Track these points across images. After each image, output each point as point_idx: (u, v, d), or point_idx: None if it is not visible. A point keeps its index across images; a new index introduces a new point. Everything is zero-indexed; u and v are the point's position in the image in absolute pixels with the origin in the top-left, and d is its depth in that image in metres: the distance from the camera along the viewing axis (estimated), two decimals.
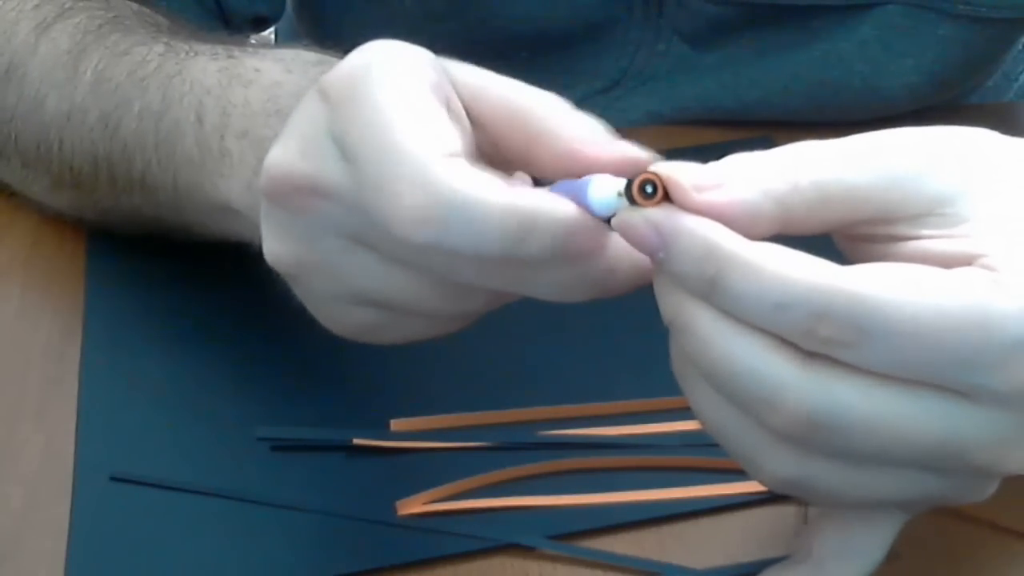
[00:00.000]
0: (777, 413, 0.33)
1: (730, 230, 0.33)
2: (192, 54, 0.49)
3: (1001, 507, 0.44)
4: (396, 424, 0.46)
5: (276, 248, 0.39)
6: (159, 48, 0.51)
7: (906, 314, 0.32)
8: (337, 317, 0.40)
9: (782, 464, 0.35)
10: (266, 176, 0.38)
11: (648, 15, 0.68)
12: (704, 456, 0.45)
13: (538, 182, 0.37)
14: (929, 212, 0.35)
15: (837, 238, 0.37)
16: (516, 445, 0.46)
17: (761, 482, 0.36)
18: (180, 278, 0.53)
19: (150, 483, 0.44)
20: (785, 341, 0.33)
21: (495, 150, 0.38)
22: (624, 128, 0.38)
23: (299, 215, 0.38)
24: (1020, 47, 0.74)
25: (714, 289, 0.33)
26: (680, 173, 0.34)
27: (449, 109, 0.37)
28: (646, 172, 0.34)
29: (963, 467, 0.35)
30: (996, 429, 0.34)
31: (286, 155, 0.38)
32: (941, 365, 0.33)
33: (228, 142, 0.45)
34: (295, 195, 0.37)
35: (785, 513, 0.44)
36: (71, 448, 0.46)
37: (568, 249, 0.35)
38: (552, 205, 0.34)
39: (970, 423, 0.34)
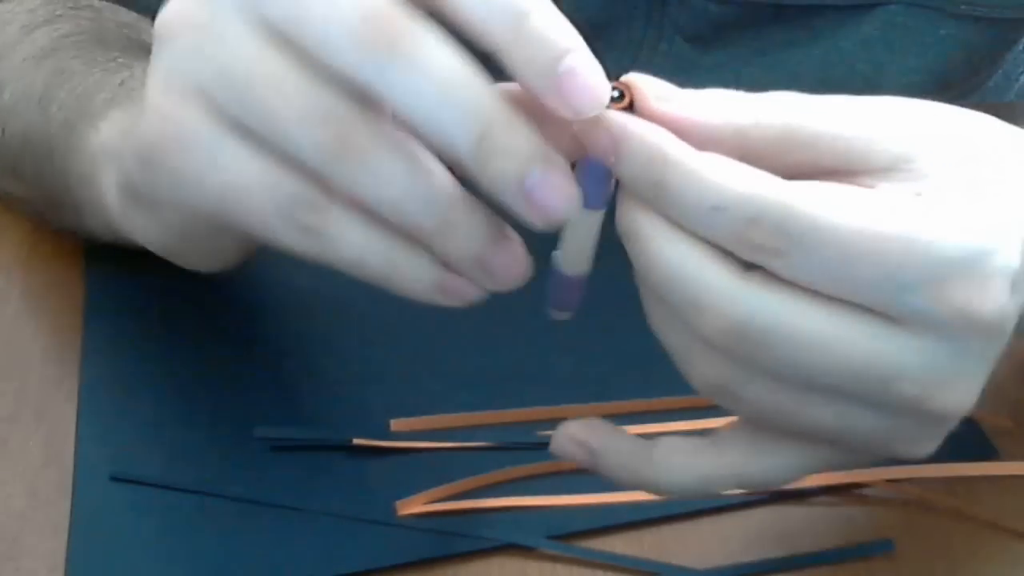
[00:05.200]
0: (705, 318, 0.35)
1: (677, 139, 0.35)
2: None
3: (1001, 507, 0.44)
4: (396, 424, 0.46)
5: (174, 1, 0.38)
6: (118, 52, 0.51)
7: (833, 225, 0.33)
8: (169, 107, 0.38)
9: (709, 368, 0.36)
10: None
11: (650, 14, 0.68)
12: None
13: None
14: (893, 167, 0.36)
15: None
16: (516, 445, 0.46)
17: (691, 384, 0.37)
18: (180, 278, 0.53)
19: (150, 483, 0.44)
20: (723, 253, 0.34)
21: None
22: None
23: None
24: (1021, 47, 0.74)
25: (658, 193, 0.34)
26: (647, 82, 0.36)
27: None
28: (617, 80, 0.36)
29: (891, 399, 0.35)
30: (923, 358, 0.34)
31: None
32: (866, 281, 0.34)
33: (136, 93, 0.44)
34: None
35: (785, 513, 0.44)
36: (71, 448, 0.46)
37: None
38: None
39: (896, 347, 0.34)
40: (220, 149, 0.38)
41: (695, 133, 0.35)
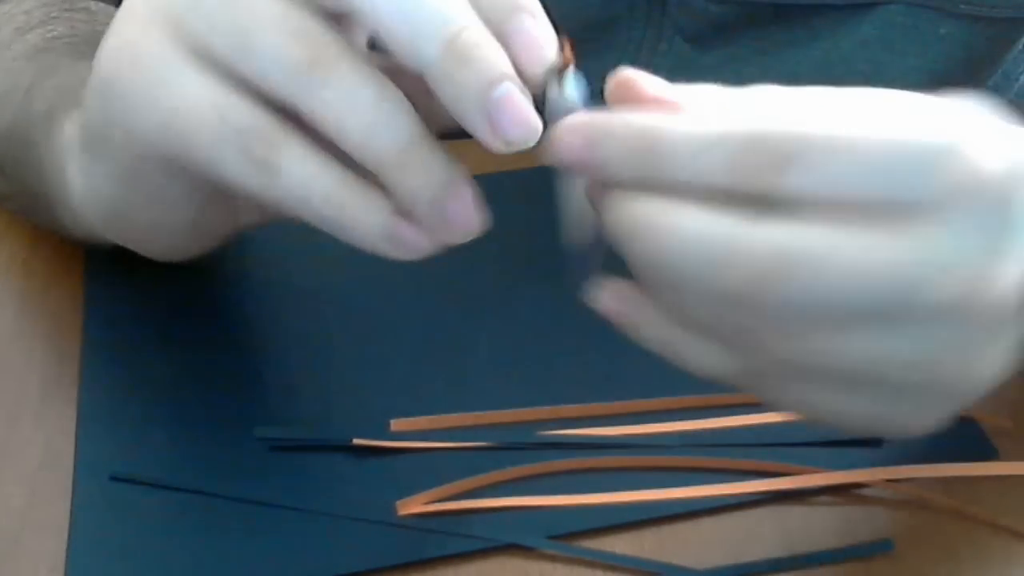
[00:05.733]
0: (731, 270, 0.34)
1: (648, 110, 0.35)
2: None
3: (1001, 507, 0.44)
4: (396, 424, 0.46)
5: None
6: None
7: (828, 131, 0.34)
8: (136, 31, 0.38)
9: (738, 336, 0.36)
10: None
11: (650, 14, 0.68)
12: (704, 456, 0.45)
13: None
14: None
15: None
16: (516, 445, 0.46)
17: (717, 373, 0.37)
18: (180, 278, 0.53)
19: (150, 483, 0.44)
20: (725, 209, 0.34)
21: None
22: None
23: None
24: (1021, 47, 0.74)
25: (652, 164, 0.34)
26: (645, 82, 0.36)
27: None
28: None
29: (924, 305, 0.34)
30: (948, 249, 0.34)
31: None
32: (869, 177, 0.33)
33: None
34: None
35: (785, 513, 0.44)
36: (71, 448, 0.46)
37: None
38: None
39: (918, 246, 0.34)
40: (176, 71, 0.37)
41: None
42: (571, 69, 0.37)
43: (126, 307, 0.52)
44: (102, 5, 0.58)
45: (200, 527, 0.43)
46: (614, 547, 0.42)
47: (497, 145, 0.36)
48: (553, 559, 0.42)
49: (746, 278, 0.34)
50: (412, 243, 0.37)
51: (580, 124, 0.35)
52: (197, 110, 0.37)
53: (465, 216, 0.37)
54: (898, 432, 0.38)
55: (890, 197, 0.34)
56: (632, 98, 0.36)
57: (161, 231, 0.45)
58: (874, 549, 0.43)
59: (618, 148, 0.35)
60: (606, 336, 0.51)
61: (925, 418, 0.38)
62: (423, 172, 0.36)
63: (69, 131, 0.45)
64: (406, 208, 0.37)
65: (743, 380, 0.38)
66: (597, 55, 0.69)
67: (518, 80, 0.36)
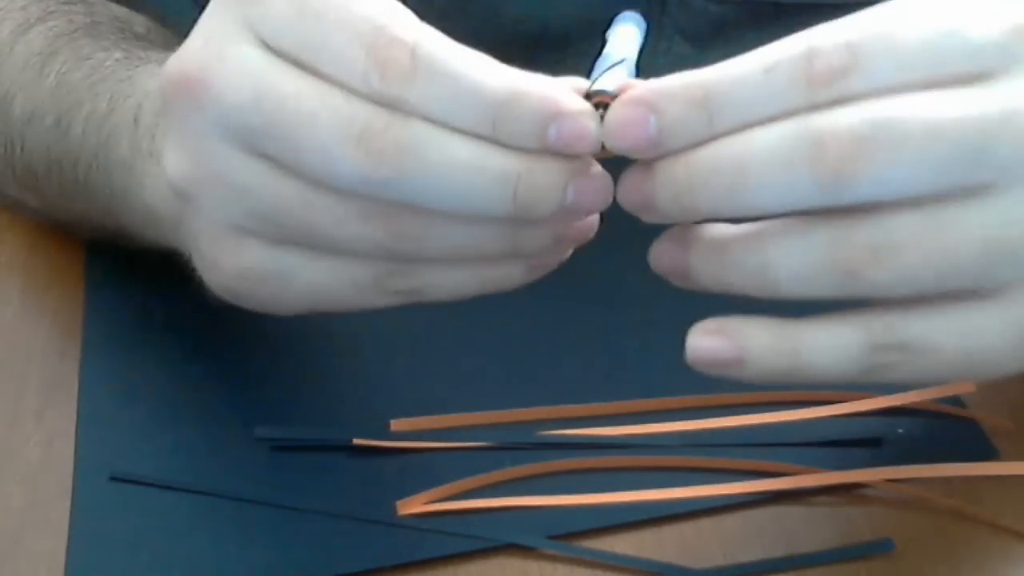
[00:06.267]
0: (821, 150, 0.33)
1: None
2: (145, 61, 0.49)
3: (1001, 507, 0.44)
4: (396, 424, 0.46)
5: (172, 159, 0.39)
6: (117, 54, 0.51)
7: (884, 19, 0.34)
8: (220, 253, 0.39)
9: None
10: (163, 76, 0.38)
11: (650, 14, 0.68)
12: (704, 456, 0.45)
13: None
14: None
15: None
16: (516, 445, 0.46)
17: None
18: (180, 278, 0.53)
19: (150, 483, 0.44)
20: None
21: None
22: None
23: (195, 117, 0.37)
24: None
25: (710, 106, 0.34)
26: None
27: None
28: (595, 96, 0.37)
29: (991, 161, 0.34)
30: (1011, 105, 0.34)
31: (184, 52, 0.38)
32: (936, 50, 0.34)
33: (158, 142, 0.44)
34: (189, 89, 0.37)
35: (785, 513, 0.44)
36: (71, 448, 0.46)
37: (553, 137, 0.36)
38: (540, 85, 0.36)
39: (986, 103, 0.34)
40: (286, 272, 0.39)
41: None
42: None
43: (126, 307, 0.52)
44: None
45: (200, 527, 0.43)
46: (614, 547, 0.42)
47: (582, 220, 0.39)
48: (553, 559, 0.42)
49: (836, 159, 0.33)
50: (552, 264, 0.40)
51: (635, 96, 0.36)
52: (328, 289, 0.40)
53: (596, 200, 0.38)
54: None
55: (960, 68, 0.34)
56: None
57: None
58: (874, 549, 0.42)
59: (679, 108, 0.35)
60: (606, 336, 0.51)
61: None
62: (533, 247, 0.39)
63: (149, 203, 0.45)
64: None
65: (872, 359, 0.36)
66: (597, 54, 0.69)
67: (578, 167, 0.37)
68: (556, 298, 0.48)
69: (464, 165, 0.36)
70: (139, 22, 0.57)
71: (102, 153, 0.48)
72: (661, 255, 0.38)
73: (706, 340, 0.36)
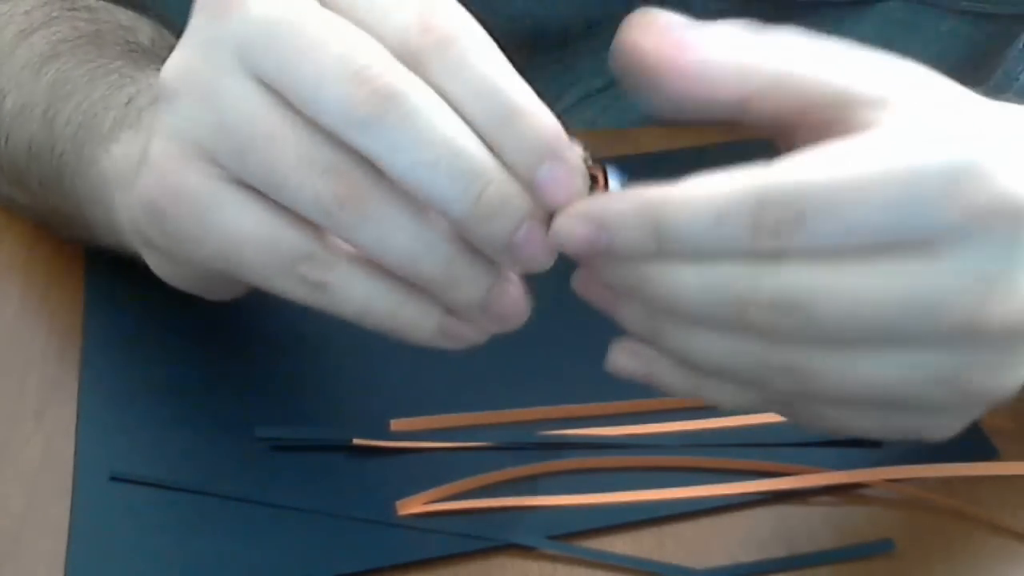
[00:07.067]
0: (753, 307, 0.34)
1: (646, 188, 0.35)
2: (151, 69, 0.49)
3: (1001, 507, 0.44)
4: (396, 424, 0.46)
5: (174, 58, 0.39)
6: (119, 63, 0.51)
7: (833, 179, 0.33)
8: (173, 169, 0.39)
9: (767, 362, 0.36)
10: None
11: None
12: (704, 456, 0.45)
13: None
14: (871, 106, 0.36)
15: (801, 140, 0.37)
16: (516, 445, 0.46)
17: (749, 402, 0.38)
18: None
19: (150, 483, 0.44)
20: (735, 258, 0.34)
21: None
22: (624, 128, 0.38)
23: (215, 22, 0.37)
24: (1021, 45, 0.74)
25: (661, 238, 0.34)
26: (651, 16, 0.36)
27: None
28: (587, 166, 0.37)
29: (942, 330, 0.34)
30: (962, 274, 0.34)
31: None
32: (885, 220, 0.33)
33: (144, 115, 0.45)
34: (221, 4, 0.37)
35: (785, 513, 0.44)
36: (71, 448, 0.46)
37: None
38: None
39: (934, 272, 0.34)
40: (219, 206, 0.38)
41: (702, 75, 0.36)
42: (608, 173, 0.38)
43: (126, 307, 0.52)
44: (103, 3, 0.58)
45: (200, 527, 0.43)
46: (614, 547, 0.42)
47: (517, 270, 0.38)
48: (553, 559, 0.42)
49: (763, 317, 0.34)
50: (465, 337, 0.40)
51: (585, 210, 0.36)
52: (247, 242, 0.38)
53: (513, 309, 0.39)
54: (924, 437, 0.38)
55: (907, 233, 0.34)
56: (644, 34, 0.36)
57: (229, 294, 0.47)
58: (874, 549, 0.43)
59: (622, 227, 0.35)
60: (606, 336, 0.51)
61: (952, 426, 0.38)
62: (469, 285, 0.38)
63: (108, 166, 0.46)
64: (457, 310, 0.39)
65: (768, 408, 0.39)
66: (595, 53, 0.69)
67: (540, 215, 0.37)
68: (556, 298, 0.48)
69: (444, 141, 0.36)
70: (144, 32, 0.56)
71: (81, 134, 0.48)
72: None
73: (623, 358, 0.39)
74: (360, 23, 0.37)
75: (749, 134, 0.68)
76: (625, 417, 0.47)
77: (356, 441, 0.45)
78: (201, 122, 0.38)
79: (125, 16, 0.58)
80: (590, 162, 0.37)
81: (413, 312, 0.39)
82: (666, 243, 0.34)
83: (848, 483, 0.45)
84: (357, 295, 0.38)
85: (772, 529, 0.43)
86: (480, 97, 0.36)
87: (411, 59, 0.36)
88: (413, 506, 0.43)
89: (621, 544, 0.43)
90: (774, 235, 0.33)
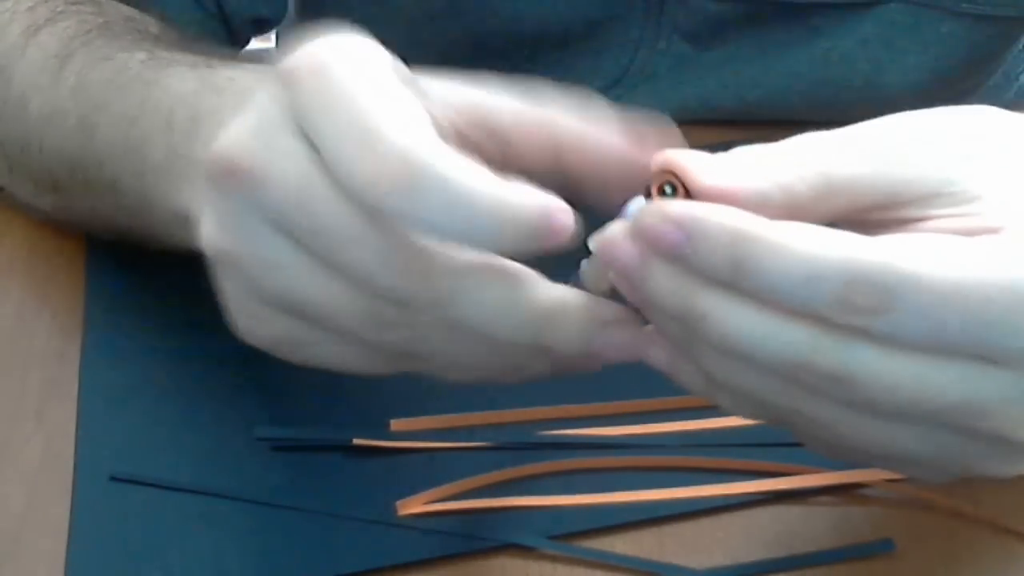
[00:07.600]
0: (806, 374, 0.33)
1: (752, 215, 0.33)
2: (172, 63, 0.49)
3: (1001, 507, 0.44)
4: (396, 424, 0.46)
5: (210, 231, 0.39)
6: (141, 55, 0.50)
7: (936, 277, 0.32)
8: (254, 320, 0.39)
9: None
10: (210, 158, 0.37)
11: (649, 13, 0.68)
12: (704, 456, 0.45)
13: None
14: (936, 192, 0.36)
15: (846, 226, 0.37)
16: (516, 445, 0.46)
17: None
18: (180, 278, 0.53)
19: (150, 483, 0.44)
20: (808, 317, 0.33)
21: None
22: None
23: (237, 199, 0.37)
24: (1021, 46, 0.74)
25: (739, 272, 0.33)
26: (689, 159, 0.35)
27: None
28: (664, 173, 0.35)
29: (983, 429, 0.34)
30: (1017, 391, 0.34)
31: (232, 136, 0.37)
32: (970, 329, 0.33)
33: (196, 149, 0.44)
34: (235, 177, 0.37)
35: (785, 513, 0.44)
36: (71, 448, 0.46)
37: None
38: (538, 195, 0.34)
39: (996, 386, 0.33)
40: (318, 340, 0.39)
41: (749, 202, 0.34)
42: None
43: (126, 307, 0.52)
44: None
45: (200, 527, 0.43)
46: (614, 547, 0.42)
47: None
48: (553, 559, 0.42)
49: (814, 380, 0.34)
50: (580, 368, 0.39)
51: (680, 214, 0.33)
52: (354, 361, 0.39)
53: (625, 349, 0.38)
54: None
55: (989, 348, 0.33)
56: (691, 186, 0.35)
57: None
58: (874, 549, 0.43)
59: (708, 246, 0.33)
60: None
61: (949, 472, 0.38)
62: (564, 340, 0.37)
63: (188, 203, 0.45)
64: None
65: (781, 428, 0.38)
66: (596, 54, 0.69)
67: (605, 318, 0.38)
68: None
69: (489, 323, 0.37)
70: (151, 23, 0.56)
71: (133, 156, 0.48)
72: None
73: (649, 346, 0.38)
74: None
75: (750, 134, 0.68)
76: (625, 417, 0.47)
77: (356, 441, 0.45)
78: (262, 286, 0.38)
79: (129, 10, 0.58)
80: (671, 189, 0.35)
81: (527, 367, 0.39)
82: (742, 279, 0.33)
83: (848, 483, 0.45)
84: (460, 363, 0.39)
85: (772, 529, 0.43)
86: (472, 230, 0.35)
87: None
88: (413, 506, 0.43)
89: (621, 544, 0.43)
90: (858, 313, 0.32)
